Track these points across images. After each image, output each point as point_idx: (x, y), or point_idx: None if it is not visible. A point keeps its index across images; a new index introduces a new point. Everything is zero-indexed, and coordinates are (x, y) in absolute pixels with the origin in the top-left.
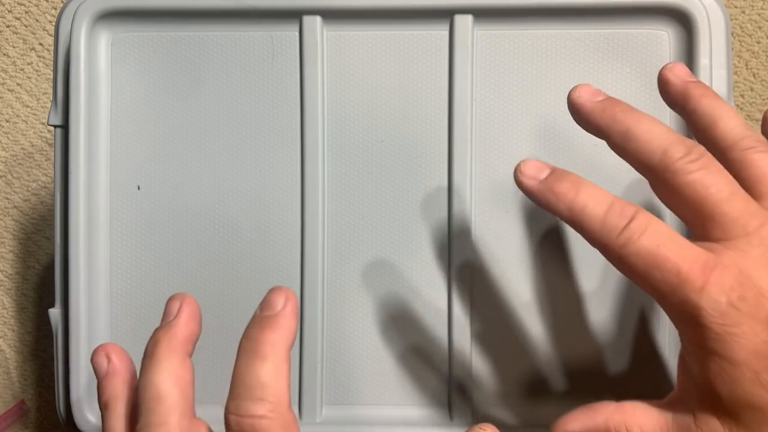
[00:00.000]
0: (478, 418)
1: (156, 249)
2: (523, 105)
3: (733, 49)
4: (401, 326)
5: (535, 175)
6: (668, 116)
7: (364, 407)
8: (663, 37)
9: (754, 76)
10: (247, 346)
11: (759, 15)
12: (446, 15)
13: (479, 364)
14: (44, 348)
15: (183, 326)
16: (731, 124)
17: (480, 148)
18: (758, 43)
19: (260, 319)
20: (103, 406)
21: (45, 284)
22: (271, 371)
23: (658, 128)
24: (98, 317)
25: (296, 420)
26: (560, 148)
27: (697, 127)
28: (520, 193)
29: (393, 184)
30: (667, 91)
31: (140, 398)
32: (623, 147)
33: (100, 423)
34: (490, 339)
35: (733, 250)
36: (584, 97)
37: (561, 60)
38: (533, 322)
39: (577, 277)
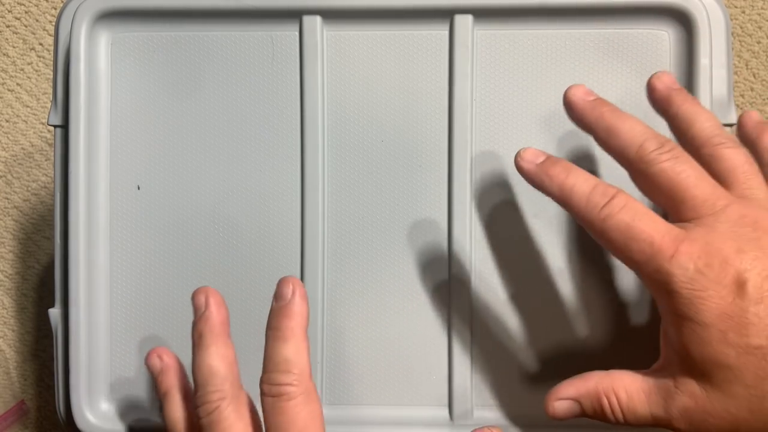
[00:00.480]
0: (479, 417)
1: (156, 249)
2: (523, 105)
3: (733, 49)
4: (401, 326)
5: (532, 159)
6: None
7: (364, 407)
8: (663, 37)
9: (754, 76)
10: (270, 333)
11: (759, 15)
12: (446, 15)
13: (480, 364)
14: (44, 348)
15: (216, 314)
16: (706, 125)
17: (480, 148)
18: (758, 43)
19: (277, 309)
20: (162, 396)
21: (45, 284)
22: (293, 349)
23: (637, 126)
24: (98, 317)
25: (316, 389)
26: (560, 148)
27: (677, 129)
28: (520, 192)
29: (393, 184)
30: (653, 97)
31: (195, 377)
32: (606, 141)
33: (99, 422)
34: (491, 338)
35: (701, 227)
36: (577, 96)
37: (561, 60)
38: (533, 320)
39: (577, 273)
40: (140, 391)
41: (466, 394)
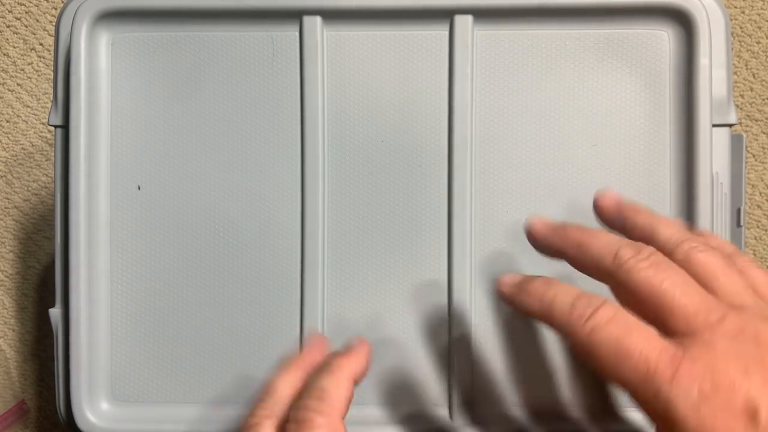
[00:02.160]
0: (479, 417)
1: (156, 249)
2: (523, 105)
3: (732, 49)
4: (401, 326)
5: (510, 282)
6: (667, 123)
7: (364, 407)
8: (663, 37)
9: (753, 76)
10: (320, 366)
11: (759, 15)
12: (446, 15)
13: (480, 364)
14: (44, 348)
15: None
16: (670, 231)
17: (480, 148)
18: (758, 43)
19: (337, 352)
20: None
21: (45, 284)
22: (333, 382)
23: (607, 237)
24: (98, 317)
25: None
26: (560, 148)
27: (640, 240)
28: (519, 193)
29: (393, 184)
30: (603, 215)
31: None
32: (580, 259)
33: (99, 422)
34: (491, 337)
35: (699, 344)
36: (537, 226)
37: (561, 60)
38: (534, 320)
39: (577, 272)
40: (141, 390)
41: (466, 394)
